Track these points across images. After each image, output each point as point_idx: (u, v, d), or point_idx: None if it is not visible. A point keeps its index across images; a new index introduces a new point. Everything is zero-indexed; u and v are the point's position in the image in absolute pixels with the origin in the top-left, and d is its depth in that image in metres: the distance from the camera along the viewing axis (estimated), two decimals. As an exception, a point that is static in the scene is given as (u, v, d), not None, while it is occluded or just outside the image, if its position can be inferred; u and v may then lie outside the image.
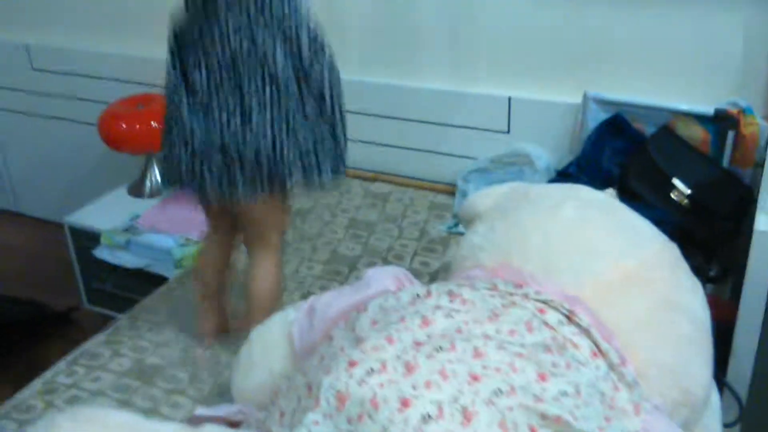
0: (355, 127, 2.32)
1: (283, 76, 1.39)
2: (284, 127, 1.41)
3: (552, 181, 2.01)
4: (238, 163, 1.41)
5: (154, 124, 2.52)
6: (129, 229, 2.33)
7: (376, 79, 2.30)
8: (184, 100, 1.43)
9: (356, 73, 2.31)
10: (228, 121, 1.40)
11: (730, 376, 1.54)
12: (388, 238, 2.05)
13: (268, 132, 1.40)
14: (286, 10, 1.40)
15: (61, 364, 1.63)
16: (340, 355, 1.01)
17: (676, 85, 1.91)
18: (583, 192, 1.36)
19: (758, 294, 1.44)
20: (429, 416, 0.89)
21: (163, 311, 1.83)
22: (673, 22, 1.88)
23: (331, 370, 0.97)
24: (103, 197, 2.63)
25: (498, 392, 0.92)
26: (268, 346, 1.33)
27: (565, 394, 0.95)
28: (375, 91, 2.30)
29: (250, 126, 1.39)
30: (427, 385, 0.93)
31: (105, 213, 2.50)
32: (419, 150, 2.33)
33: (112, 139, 2.54)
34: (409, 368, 0.95)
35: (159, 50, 2.65)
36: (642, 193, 1.83)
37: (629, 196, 1.86)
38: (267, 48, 1.38)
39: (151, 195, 2.61)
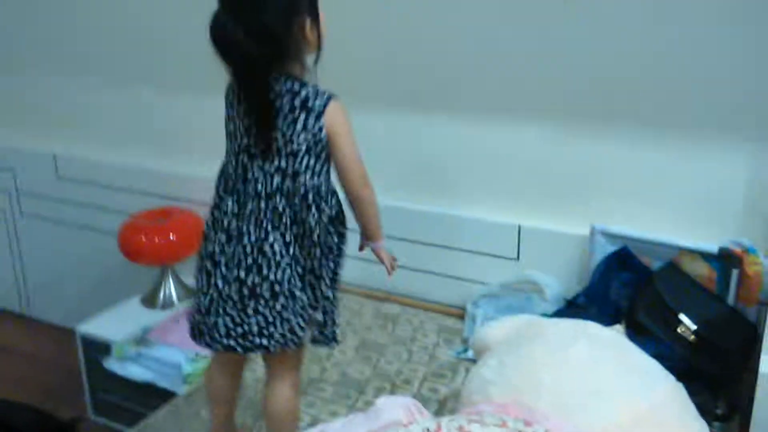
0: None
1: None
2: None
3: (561, 310, 2.04)
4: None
5: (172, 237, 2.60)
6: (140, 342, 2.36)
7: (392, 203, 2.37)
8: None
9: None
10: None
11: None
12: (397, 362, 2.07)
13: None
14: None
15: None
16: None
17: (682, 222, 1.97)
18: (594, 330, 1.40)
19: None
20: None
21: (170, 428, 1.83)
22: (680, 161, 1.96)
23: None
24: (116, 307, 2.66)
25: None
26: (278, 473, 1.34)
27: None
28: (389, 214, 2.36)
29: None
30: None
31: (117, 323, 2.53)
32: (430, 273, 2.37)
33: (132, 251, 2.60)
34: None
35: (181, 166, 2.75)
36: (649, 327, 1.85)
37: (636, 330, 1.88)
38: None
39: (164, 307, 2.65)
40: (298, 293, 1.52)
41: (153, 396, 2.21)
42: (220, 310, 1.53)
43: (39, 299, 3.37)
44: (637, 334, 1.87)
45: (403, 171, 2.38)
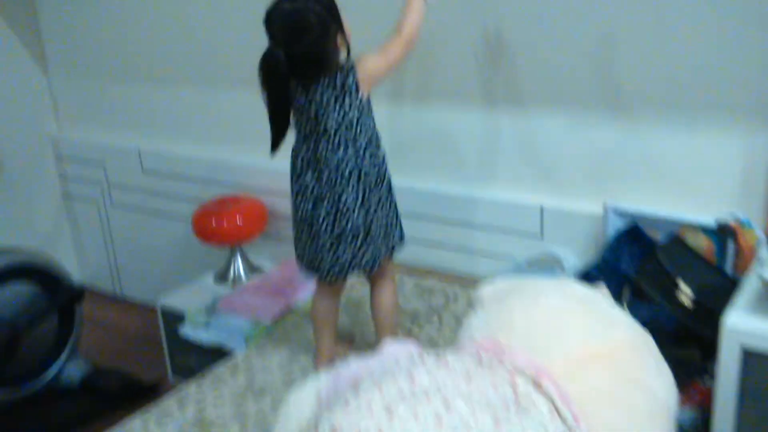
0: (412, 230, 2.64)
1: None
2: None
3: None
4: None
5: (239, 221, 2.92)
6: (210, 311, 2.68)
7: (431, 187, 2.62)
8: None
9: (416, 181, 2.65)
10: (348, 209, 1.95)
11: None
12: (428, 327, 2.31)
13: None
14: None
15: (136, 421, 2.00)
16: (340, 401, 1.29)
17: (684, 198, 2.14)
18: (570, 285, 1.60)
19: (729, 385, 1.61)
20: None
21: (227, 379, 2.14)
22: (683, 142, 2.12)
23: (331, 410, 1.25)
24: (192, 283, 3.01)
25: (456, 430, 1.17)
26: (301, 403, 1.61)
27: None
28: (430, 199, 2.63)
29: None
30: (401, 424, 1.19)
31: (192, 296, 2.87)
32: (466, 250, 2.61)
33: (203, 233, 2.94)
34: (389, 412, 1.21)
35: (246, 157, 3.04)
36: (650, 293, 2.03)
37: (638, 296, 2.07)
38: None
39: (234, 283, 2.97)
40: (373, 231, 1.97)
41: (221, 358, 2.52)
42: (321, 256, 1.97)
43: (128, 279, 3.75)
44: (638, 299, 2.06)
45: (444, 159, 2.62)
